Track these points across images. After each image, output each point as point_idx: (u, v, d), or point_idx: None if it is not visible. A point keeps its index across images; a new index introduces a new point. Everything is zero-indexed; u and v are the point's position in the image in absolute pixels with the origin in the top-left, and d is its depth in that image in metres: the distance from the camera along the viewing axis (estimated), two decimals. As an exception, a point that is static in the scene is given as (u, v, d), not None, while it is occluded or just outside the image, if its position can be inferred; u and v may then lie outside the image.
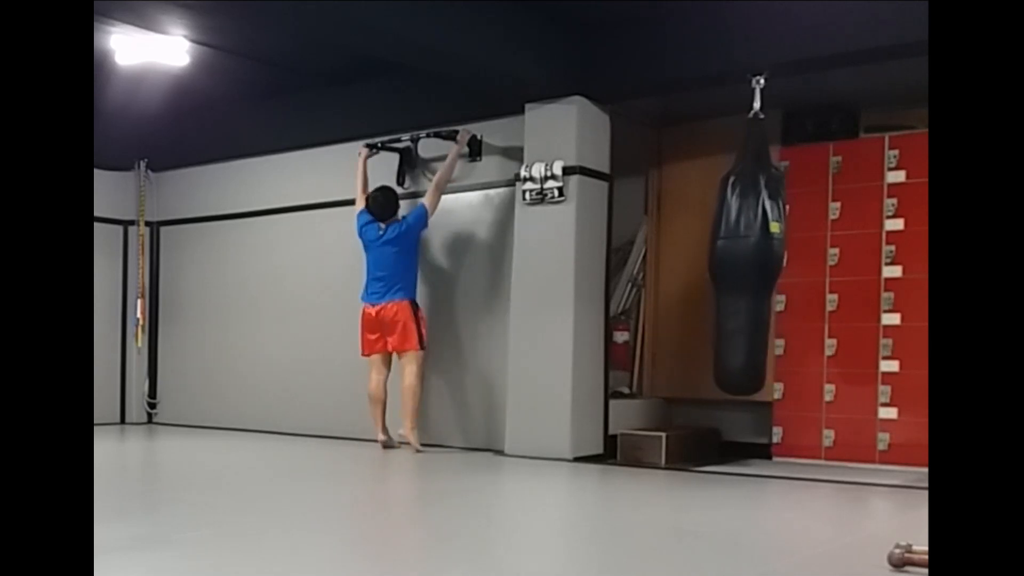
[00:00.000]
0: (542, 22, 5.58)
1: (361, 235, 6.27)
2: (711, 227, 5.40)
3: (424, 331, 6.09)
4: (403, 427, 6.08)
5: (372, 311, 6.13)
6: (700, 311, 6.04)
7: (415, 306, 6.11)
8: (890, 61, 4.93)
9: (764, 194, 5.21)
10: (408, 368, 6.05)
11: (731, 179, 5.31)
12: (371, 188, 6.37)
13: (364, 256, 6.24)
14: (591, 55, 5.72)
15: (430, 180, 6.39)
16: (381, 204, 6.19)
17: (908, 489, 4.70)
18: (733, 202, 5.26)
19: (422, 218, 6.13)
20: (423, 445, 6.05)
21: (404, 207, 6.29)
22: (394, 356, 6.19)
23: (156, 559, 2.92)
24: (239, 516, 3.84)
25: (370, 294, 6.17)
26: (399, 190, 6.43)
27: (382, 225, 6.17)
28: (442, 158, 6.29)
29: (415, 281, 6.20)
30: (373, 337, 6.16)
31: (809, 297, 5.89)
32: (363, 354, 6.23)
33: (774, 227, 5.24)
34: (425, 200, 6.15)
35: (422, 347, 6.07)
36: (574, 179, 5.70)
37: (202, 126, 7.71)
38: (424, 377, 6.14)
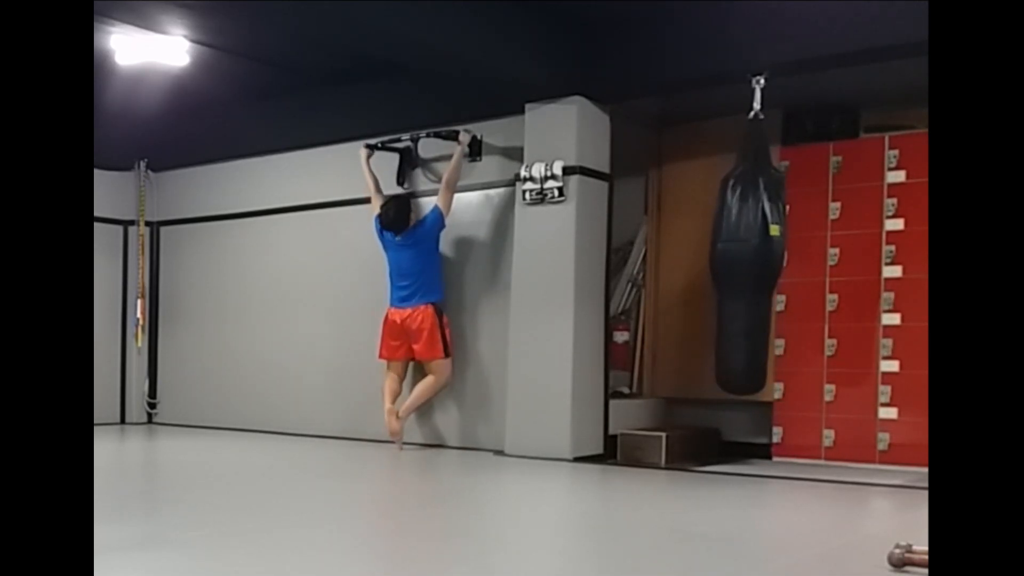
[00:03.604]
0: (542, 22, 5.57)
1: (380, 238, 6.25)
2: (712, 230, 5.40)
3: (449, 338, 6.06)
4: (400, 407, 6.08)
5: (397, 318, 6.08)
6: (700, 311, 6.04)
7: (439, 312, 6.06)
8: (890, 61, 4.93)
9: (764, 196, 5.21)
10: (434, 373, 6.07)
11: (731, 181, 5.31)
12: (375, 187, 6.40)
13: (385, 258, 6.22)
14: (591, 55, 5.72)
15: (430, 180, 6.40)
16: (392, 218, 6.11)
17: (908, 489, 4.70)
18: (733, 205, 5.26)
19: (438, 219, 6.09)
20: (420, 444, 6.05)
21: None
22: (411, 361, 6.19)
23: (156, 559, 2.92)
24: (240, 516, 3.84)
25: (396, 298, 6.13)
26: (399, 191, 6.44)
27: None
28: (442, 158, 6.29)
29: (439, 282, 6.15)
30: (395, 343, 6.13)
31: (809, 297, 5.89)
32: (380, 357, 6.22)
33: (774, 230, 5.24)
34: (438, 201, 6.11)
35: (447, 354, 6.06)
36: (574, 179, 5.70)
37: (202, 126, 7.70)
38: (447, 385, 6.14)
